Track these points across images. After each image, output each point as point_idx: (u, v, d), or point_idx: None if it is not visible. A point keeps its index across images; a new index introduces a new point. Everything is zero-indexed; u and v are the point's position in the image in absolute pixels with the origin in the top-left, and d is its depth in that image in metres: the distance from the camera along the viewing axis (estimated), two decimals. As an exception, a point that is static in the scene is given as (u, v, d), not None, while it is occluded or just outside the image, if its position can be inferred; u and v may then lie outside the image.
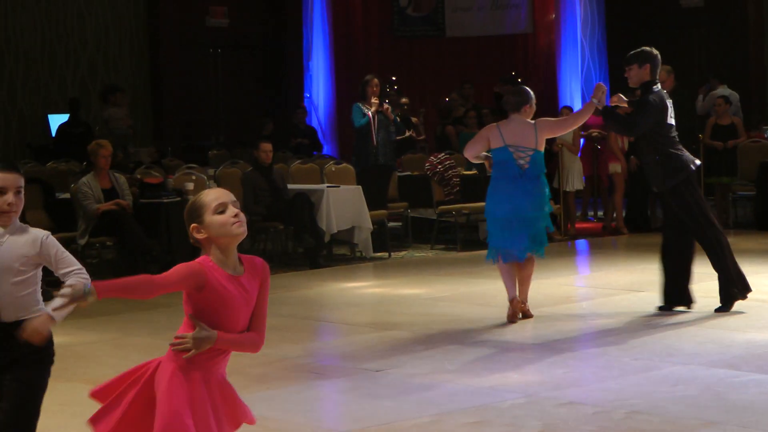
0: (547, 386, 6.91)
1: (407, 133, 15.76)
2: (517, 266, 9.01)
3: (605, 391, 6.79)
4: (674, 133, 9.16)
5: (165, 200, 12.11)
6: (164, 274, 3.90)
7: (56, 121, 17.90)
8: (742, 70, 19.67)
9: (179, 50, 20.12)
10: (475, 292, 10.67)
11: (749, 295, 9.11)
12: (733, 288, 9.07)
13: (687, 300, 9.16)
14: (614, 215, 15.29)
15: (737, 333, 8.27)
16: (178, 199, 12.09)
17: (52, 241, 4.43)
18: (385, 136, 14.03)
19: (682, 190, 9.05)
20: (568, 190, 14.96)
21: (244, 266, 4.01)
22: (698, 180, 9.42)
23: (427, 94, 21.07)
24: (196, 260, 3.96)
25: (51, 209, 12.38)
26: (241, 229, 3.96)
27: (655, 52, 9.25)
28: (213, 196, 4.01)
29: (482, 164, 15.12)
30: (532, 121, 9.04)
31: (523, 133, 8.95)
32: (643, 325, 8.75)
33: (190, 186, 12.30)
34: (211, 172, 14.20)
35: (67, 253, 4.44)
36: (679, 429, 5.93)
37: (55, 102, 18.75)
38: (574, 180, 15.18)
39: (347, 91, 19.93)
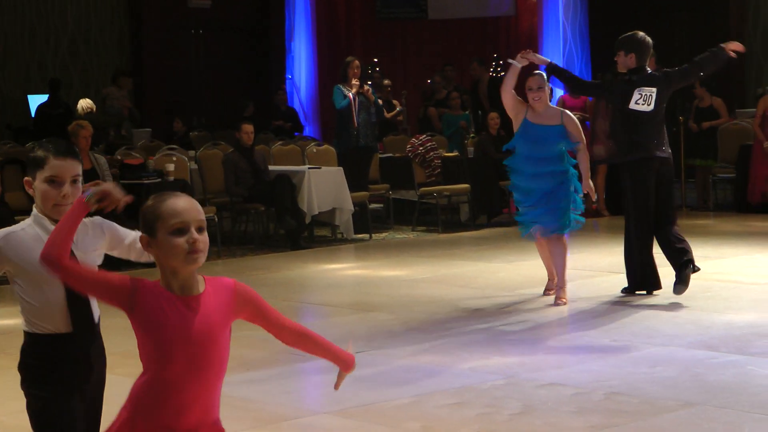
0: (527, 367, 6.93)
1: (387, 114, 15.71)
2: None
3: (585, 372, 6.82)
4: (637, 120, 8.98)
5: (145, 181, 12.08)
6: (82, 270, 3.36)
7: (36, 101, 17.80)
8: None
9: (161, 32, 20.02)
10: (456, 273, 10.68)
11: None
12: (634, 279, 9.15)
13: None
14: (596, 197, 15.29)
15: (716, 315, 8.31)
16: (159, 180, 12.08)
17: (106, 221, 3.94)
18: (366, 117, 14.01)
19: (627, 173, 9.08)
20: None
21: (205, 287, 3.27)
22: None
23: (409, 76, 21.02)
24: (137, 278, 3.28)
25: (30, 190, 12.31)
26: (196, 264, 3.19)
27: (645, 39, 9.10)
28: (175, 209, 3.17)
29: (464, 147, 15.29)
30: None
31: None
32: (623, 306, 8.78)
33: (171, 167, 12.29)
34: (192, 153, 14.17)
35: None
36: (658, 410, 5.95)
37: (36, 83, 18.65)
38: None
39: (329, 72, 19.89)
